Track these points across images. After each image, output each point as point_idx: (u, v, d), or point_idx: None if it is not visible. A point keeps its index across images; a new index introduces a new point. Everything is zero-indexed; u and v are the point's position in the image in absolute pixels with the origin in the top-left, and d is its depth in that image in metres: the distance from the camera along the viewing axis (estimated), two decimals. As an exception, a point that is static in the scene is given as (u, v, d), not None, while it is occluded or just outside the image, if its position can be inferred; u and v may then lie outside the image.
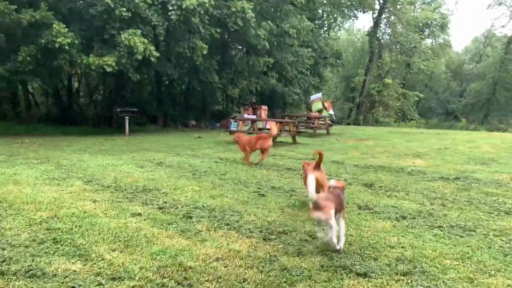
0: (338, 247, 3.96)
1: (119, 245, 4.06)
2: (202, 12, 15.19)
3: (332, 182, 4.52)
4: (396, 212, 5.42)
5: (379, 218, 5.16)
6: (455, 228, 4.81)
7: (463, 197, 6.31)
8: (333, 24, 39.23)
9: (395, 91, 39.33)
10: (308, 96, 24.56)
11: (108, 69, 13.97)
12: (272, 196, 6.21)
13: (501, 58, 42.77)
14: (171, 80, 18.56)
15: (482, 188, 6.90)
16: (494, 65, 43.86)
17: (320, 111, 19.80)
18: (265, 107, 20.98)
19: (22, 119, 18.93)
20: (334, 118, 22.52)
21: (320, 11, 31.97)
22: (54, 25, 13.26)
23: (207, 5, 14.99)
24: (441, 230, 4.71)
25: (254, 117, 19.20)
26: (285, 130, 13.90)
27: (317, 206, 3.97)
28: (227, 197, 6.06)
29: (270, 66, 21.08)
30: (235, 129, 15.49)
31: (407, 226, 4.87)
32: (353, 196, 6.24)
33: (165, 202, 5.69)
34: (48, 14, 13.58)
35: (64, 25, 13.61)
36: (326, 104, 20.27)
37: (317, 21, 31.86)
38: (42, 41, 13.30)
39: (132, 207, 5.41)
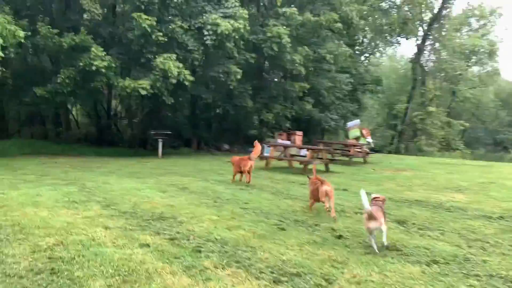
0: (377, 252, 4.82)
1: (116, 280, 3.80)
2: (237, 37, 15.21)
3: (375, 195, 5.38)
4: (428, 255, 4.86)
5: (407, 262, 4.63)
6: (494, 278, 4.22)
7: (507, 240, 5.64)
8: (375, 50, 38.63)
9: (439, 120, 37.87)
10: (346, 122, 23.97)
11: (143, 92, 14.15)
12: (292, 231, 5.79)
13: (554, 87, 40.52)
14: (206, 104, 18.62)
15: (530, 231, 6.18)
16: (547, 94, 41.59)
17: (357, 138, 19.18)
18: (299, 133, 20.55)
19: (62, 139, 19.45)
20: (373, 145, 21.73)
21: (360, 37, 31.51)
22: (92, 49, 13.65)
23: (242, 30, 15.03)
24: (477, 280, 4.15)
25: (288, 142, 18.82)
26: (318, 158, 13.44)
27: (371, 217, 4.81)
28: (244, 230, 5.69)
29: (306, 91, 20.80)
30: (268, 154, 15.17)
31: (438, 273, 4.32)
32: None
33: (178, 233, 5.41)
34: (87, 38, 14.04)
35: (102, 49, 13.98)
36: (364, 131, 19.60)
37: (357, 47, 31.45)
38: (81, 63, 13.69)
39: (142, 237, 5.16)
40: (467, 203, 8.28)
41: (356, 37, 30.10)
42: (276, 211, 6.98)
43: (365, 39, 33.94)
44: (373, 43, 36.03)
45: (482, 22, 42.92)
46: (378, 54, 42.55)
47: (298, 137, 20.44)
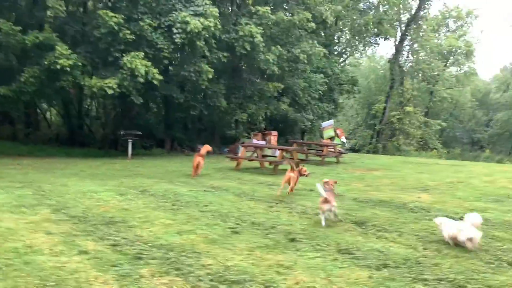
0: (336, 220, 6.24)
1: (40, 292, 3.54)
2: (208, 35, 14.96)
3: (325, 179, 6.85)
4: (380, 259, 4.71)
5: (357, 266, 4.48)
6: (443, 282, 4.09)
7: (464, 241, 5.54)
8: (354, 50, 38.76)
9: (417, 119, 38.23)
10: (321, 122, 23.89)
11: (109, 92, 13.75)
12: (246, 234, 5.59)
13: (529, 87, 41.33)
14: (179, 104, 18.30)
15: (488, 231, 6.05)
16: (521, 94, 42.38)
17: (332, 138, 19.13)
18: (275, 133, 20.43)
19: (31, 139, 18.89)
20: (347, 145, 21.74)
21: (337, 37, 31.51)
22: (57, 47, 13.24)
23: (212, 29, 14.78)
24: (425, 285, 4.02)
25: (263, 143, 18.67)
26: (288, 158, 13.28)
27: (325, 200, 6.03)
28: (196, 234, 5.48)
29: (281, 91, 20.66)
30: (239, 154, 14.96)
31: (386, 277, 4.18)
32: (337, 236, 5.55)
33: (124, 238, 5.16)
34: (51, 36, 13.62)
35: (67, 47, 13.57)
36: (338, 131, 19.57)
37: (335, 47, 31.44)
38: (45, 62, 13.26)
39: (84, 243, 4.90)
40: (431, 203, 8.19)
41: (334, 36, 30.07)
42: (236, 214, 6.77)
43: (342, 39, 33.96)
44: (353, 44, 36.13)
45: (459, 23, 43.52)
46: (357, 54, 42.78)
47: (274, 137, 20.31)
